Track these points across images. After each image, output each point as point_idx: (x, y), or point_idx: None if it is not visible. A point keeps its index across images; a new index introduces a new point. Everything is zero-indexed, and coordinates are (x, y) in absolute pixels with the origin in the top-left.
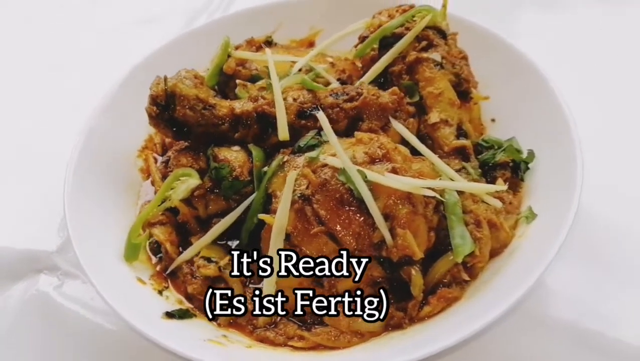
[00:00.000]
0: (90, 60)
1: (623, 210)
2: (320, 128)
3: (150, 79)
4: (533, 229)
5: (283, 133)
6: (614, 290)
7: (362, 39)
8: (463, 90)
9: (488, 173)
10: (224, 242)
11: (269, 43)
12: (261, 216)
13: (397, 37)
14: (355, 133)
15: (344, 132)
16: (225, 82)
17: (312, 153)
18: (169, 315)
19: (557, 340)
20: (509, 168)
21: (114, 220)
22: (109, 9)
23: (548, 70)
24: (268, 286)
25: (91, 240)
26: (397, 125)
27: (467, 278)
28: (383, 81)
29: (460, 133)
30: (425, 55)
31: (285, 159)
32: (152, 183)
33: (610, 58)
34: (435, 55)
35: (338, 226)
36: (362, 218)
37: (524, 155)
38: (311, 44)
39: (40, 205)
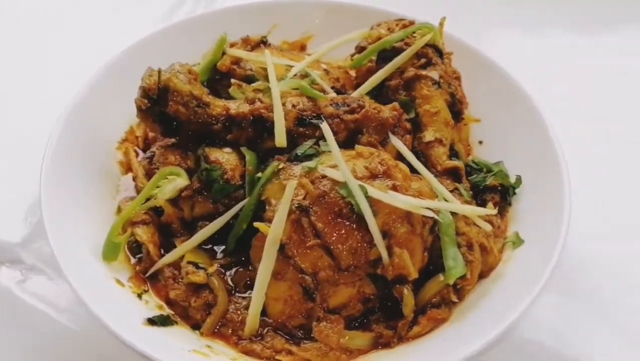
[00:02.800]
0: (68, 47)
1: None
2: (319, 138)
3: (133, 69)
4: (519, 254)
5: (280, 140)
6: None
7: (360, 49)
8: (456, 110)
9: (477, 195)
10: (209, 246)
11: (263, 43)
12: (257, 224)
13: (397, 51)
14: (356, 146)
15: (342, 144)
16: (217, 79)
17: (310, 163)
18: (151, 321)
19: None
20: (498, 192)
21: (90, 215)
22: None
23: (537, 97)
24: (251, 325)
25: (67, 234)
26: (396, 142)
27: (456, 300)
28: (377, 94)
29: (452, 153)
30: (424, 72)
31: (280, 166)
32: (134, 178)
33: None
34: (434, 74)
35: (335, 240)
36: (360, 234)
37: (512, 180)
38: (303, 48)
39: (4, 192)
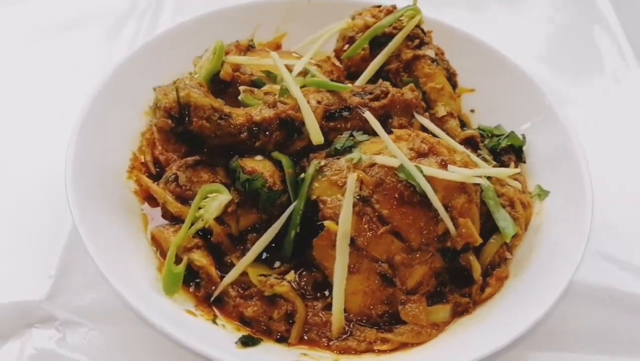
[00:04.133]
0: (10, 76)
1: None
2: (352, 129)
3: (121, 94)
4: (548, 206)
5: (317, 137)
6: None
7: (349, 39)
8: (452, 83)
9: (495, 159)
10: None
11: (251, 47)
12: (327, 223)
13: (389, 36)
14: (394, 130)
15: (373, 131)
16: (221, 89)
17: (354, 155)
18: (244, 343)
19: None
20: (512, 152)
21: (132, 252)
22: (25, 13)
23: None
24: (338, 323)
25: (124, 275)
26: (423, 120)
27: (510, 256)
28: (374, 80)
29: (461, 124)
30: (421, 52)
31: (322, 163)
32: (164, 206)
33: None
34: (430, 52)
35: (403, 224)
36: (424, 212)
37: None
38: (278, 47)
39: (15, 246)
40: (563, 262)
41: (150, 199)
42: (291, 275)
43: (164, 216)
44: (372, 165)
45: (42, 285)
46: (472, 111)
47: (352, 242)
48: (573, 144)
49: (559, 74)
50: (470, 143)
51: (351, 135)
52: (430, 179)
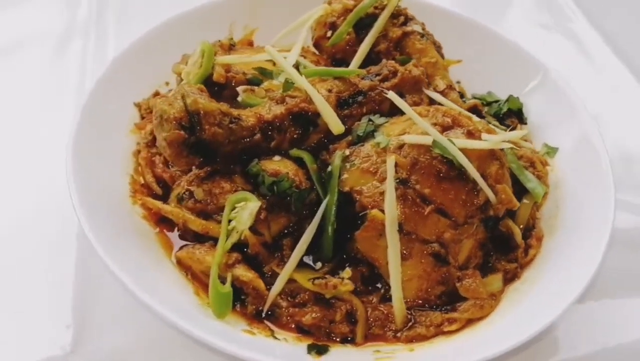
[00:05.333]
0: None
1: None
2: (368, 113)
3: (101, 117)
4: (559, 161)
5: (337, 126)
6: None
7: (330, 25)
8: (440, 55)
9: (500, 124)
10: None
11: (232, 45)
12: (373, 212)
13: (372, 17)
14: (413, 108)
15: (388, 112)
16: (215, 92)
17: (380, 139)
18: (318, 352)
19: None
20: (514, 115)
21: (165, 280)
22: None
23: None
24: (400, 313)
25: (172, 306)
26: (433, 94)
27: (539, 217)
28: (365, 63)
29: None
30: (409, 28)
31: (347, 153)
32: (184, 225)
33: None
34: (417, 27)
35: (446, 200)
36: (464, 185)
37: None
38: (250, 44)
39: (24, 300)
40: (597, 213)
41: (162, 222)
42: (347, 272)
43: (182, 237)
44: (401, 146)
45: (63, 336)
46: (458, 82)
47: (400, 228)
48: (571, 98)
49: None
50: (474, 112)
51: (369, 119)
52: (462, 151)
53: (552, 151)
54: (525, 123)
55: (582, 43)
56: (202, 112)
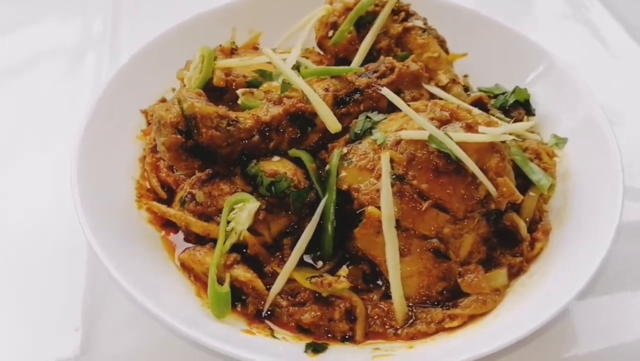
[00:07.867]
0: None
1: None
2: (365, 110)
3: (109, 124)
4: (569, 152)
5: (334, 124)
6: None
7: (332, 25)
8: (444, 50)
9: (506, 116)
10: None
11: (234, 49)
12: (369, 209)
13: (373, 14)
14: (410, 104)
15: (387, 109)
16: (216, 96)
17: (376, 135)
18: (315, 350)
19: None
20: (521, 107)
21: (168, 282)
22: None
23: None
24: (401, 310)
25: (172, 309)
26: (433, 89)
27: (546, 209)
28: (366, 61)
29: (464, 89)
30: (410, 24)
31: (345, 151)
32: (186, 228)
33: None
34: (419, 22)
35: (444, 194)
36: (462, 179)
37: None
38: (256, 47)
39: (34, 303)
40: (605, 203)
41: (167, 225)
42: (344, 270)
43: (186, 239)
44: (398, 142)
45: (72, 339)
46: (466, 76)
47: (397, 224)
48: (579, 87)
49: None
50: (479, 105)
51: (367, 117)
52: (460, 144)
53: (561, 142)
54: (533, 115)
55: (602, 34)
56: (198, 115)
